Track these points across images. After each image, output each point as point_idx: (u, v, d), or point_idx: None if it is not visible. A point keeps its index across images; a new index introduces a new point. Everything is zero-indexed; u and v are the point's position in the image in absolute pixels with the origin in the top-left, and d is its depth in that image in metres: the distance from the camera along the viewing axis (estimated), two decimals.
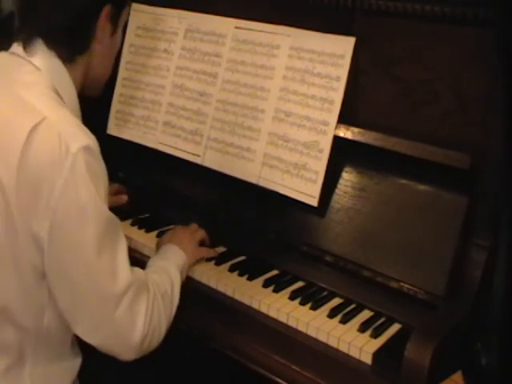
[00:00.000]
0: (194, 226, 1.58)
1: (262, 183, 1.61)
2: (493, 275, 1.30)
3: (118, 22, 1.32)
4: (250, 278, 1.48)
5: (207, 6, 1.78)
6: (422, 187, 1.42)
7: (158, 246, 1.49)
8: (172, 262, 1.40)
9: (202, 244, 1.55)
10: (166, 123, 1.82)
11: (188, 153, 1.76)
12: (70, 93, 1.26)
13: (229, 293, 1.44)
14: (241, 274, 1.49)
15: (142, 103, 1.88)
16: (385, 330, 1.33)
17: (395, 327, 1.35)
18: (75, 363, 1.31)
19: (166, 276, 1.34)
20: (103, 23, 1.26)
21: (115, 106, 1.94)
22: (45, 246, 1.12)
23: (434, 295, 1.34)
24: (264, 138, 1.62)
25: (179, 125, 1.79)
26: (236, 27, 1.71)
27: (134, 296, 1.18)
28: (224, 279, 1.46)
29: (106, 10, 1.25)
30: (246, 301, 1.41)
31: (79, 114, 1.29)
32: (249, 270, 1.50)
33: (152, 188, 1.80)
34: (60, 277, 1.15)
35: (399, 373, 1.17)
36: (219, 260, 1.54)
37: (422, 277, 1.36)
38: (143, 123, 1.87)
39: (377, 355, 1.25)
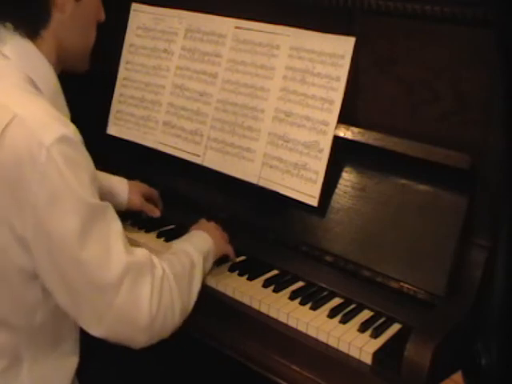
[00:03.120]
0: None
1: (262, 183, 1.61)
2: (493, 275, 1.30)
3: None
4: (250, 278, 1.48)
5: (207, 5, 1.78)
6: (422, 187, 1.42)
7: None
8: (195, 244, 1.38)
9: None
10: (165, 123, 1.82)
11: (188, 153, 1.76)
12: (47, 75, 1.20)
13: (229, 293, 1.44)
14: (241, 274, 1.49)
15: (141, 103, 1.88)
16: (385, 330, 1.33)
17: (395, 327, 1.35)
18: (73, 361, 1.29)
19: (184, 256, 1.31)
20: None
21: (115, 106, 1.94)
22: (31, 245, 1.10)
23: (434, 295, 1.34)
24: (264, 138, 1.62)
25: (179, 125, 1.79)
26: (236, 27, 1.71)
27: (135, 278, 1.14)
28: (224, 279, 1.46)
29: None
30: (245, 301, 1.41)
31: (61, 97, 1.24)
32: (249, 270, 1.50)
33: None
34: (52, 274, 1.12)
35: (399, 373, 1.17)
36: (219, 260, 1.53)
37: (422, 277, 1.36)
38: (143, 123, 1.87)
39: (377, 355, 1.25)
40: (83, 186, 1.10)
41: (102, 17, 1.34)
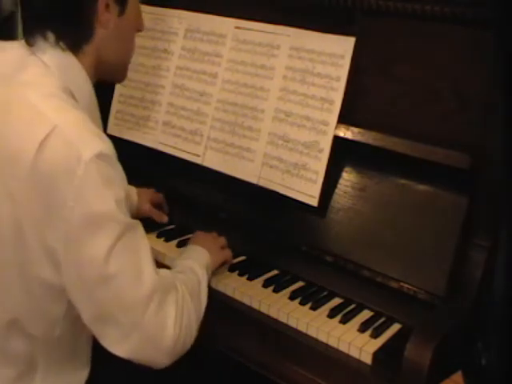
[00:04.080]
0: (214, 233, 1.55)
1: (262, 183, 1.61)
2: (493, 275, 1.30)
3: (126, 0, 1.22)
4: (250, 278, 1.48)
5: (207, 5, 1.78)
6: (422, 187, 1.42)
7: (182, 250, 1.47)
8: (197, 260, 1.38)
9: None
10: (165, 123, 1.82)
11: (188, 153, 1.76)
12: (84, 86, 1.19)
13: (229, 293, 1.44)
14: (241, 274, 1.49)
15: (141, 103, 1.88)
16: (385, 330, 1.33)
17: (395, 327, 1.35)
18: (83, 373, 1.29)
19: (192, 274, 1.31)
20: (104, 4, 1.17)
21: (115, 105, 1.94)
22: (61, 259, 1.08)
23: (434, 295, 1.34)
24: (264, 137, 1.62)
25: (179, 125, 1.79)
26: (236, 27, 1.71)
27: (161, 298, 1.14)
28: (224, 279, 1.46)
29: None
30: (245, 301, 1.41)
31: (96, 108, 1.24)
32: (249, 270, 1.50)
33: (152, 188, 1.80)
34: (80, 289, 1.11)
35: (399, 373, 1.17)
36: None
37: (422, 277, 1.36)
38: (143, 123, 1.87)
39: (377, 355, 1.25)
40: (117, 205, 1.09)
41: (142, 27, 1.34)
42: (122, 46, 1.28)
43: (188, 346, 1.22)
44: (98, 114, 1.24)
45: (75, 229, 1.06)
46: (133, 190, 1.67)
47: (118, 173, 1.12)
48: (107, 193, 1.08)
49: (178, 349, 1.18)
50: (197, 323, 1.24)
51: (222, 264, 1.50)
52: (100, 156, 1.07)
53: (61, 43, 1.16)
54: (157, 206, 1.72)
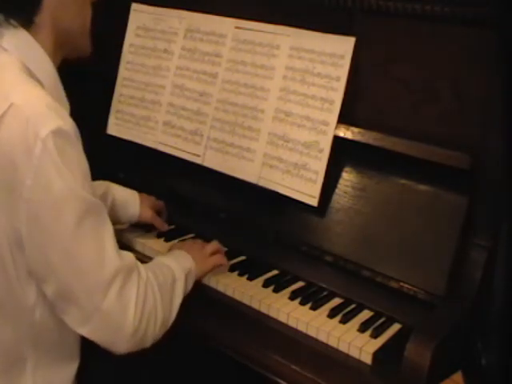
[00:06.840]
0: (203, 242, 1.51)
1: (262, 183, 1.61)
2: (493, 275, 1.30)
3: None
4: (250, 278, 1.48)
5: (207, 5, 1.78)
6: (422, 187, 1.42)
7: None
8: (177, 261, 1.35)
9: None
10: (166, 123, 1.82)
11: (188, 153, 1.76)
12: (44, 65, 1.17)
13: (229, 293, 1.44)
14: (241, 274, 1.49)
15: (141, 103, 1.88)
16: (385, 330, 1.33)
17: (395, 327, 1.35)
18: (73, 366, 1.29)
19: (167, 270, 1.29)
20: None
21: (115, 105, 1.94)
22: (24, 239, 1.08)
23: (434, 295, 1.34)
24: (264, 137, 1.62)
25: (179, 125, 1.79)
26: (236, 27, 1.71)
27: (123, 282, 1.13)
28: (224, 279, 1.46)
29: None
30: (245, 301, 1.41)
31: (60, 89, 1.21)
32: (249, 270, 1.50)
33: (152, 188, 1.80)
34: (44, 267, 1.11)
35: (399, 373, 1.17)
36: None
37: (422, 277, 1.36)
38: (143, 123, 1.87)
39: (377, 355, 1.25)
40: (78, 181, 1.08)
41: None
42: (76, 12, 1.21)
43: (150, 336, 1.19)
44: (62, 94, 1.22)
45: (36, 208, 1.06)
46: (135, 194, 1.66)
47: (76, 151, 1.10)
48: (67, 170, 1.06)
49: (139, 337, 1.17)
50: (164, 316, 1.22)
51: (217, 267, 1.48)
52: (57, 132, 1.05)
53: (11, 21, 1.13)
54: (157, 213, 1.71)
